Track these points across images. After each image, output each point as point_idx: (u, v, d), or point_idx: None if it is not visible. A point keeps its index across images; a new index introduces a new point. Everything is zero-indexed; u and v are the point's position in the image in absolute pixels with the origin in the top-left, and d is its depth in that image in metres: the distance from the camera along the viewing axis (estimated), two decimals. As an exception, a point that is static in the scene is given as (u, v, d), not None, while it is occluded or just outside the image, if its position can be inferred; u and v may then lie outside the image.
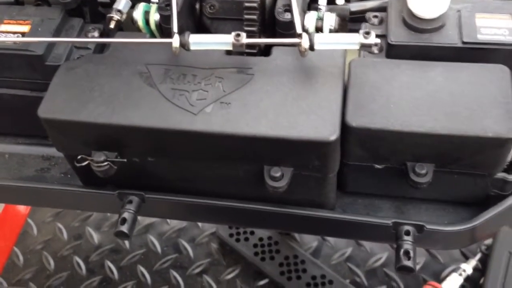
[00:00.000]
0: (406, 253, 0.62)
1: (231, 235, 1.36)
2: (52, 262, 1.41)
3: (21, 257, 1.43)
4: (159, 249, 1.41)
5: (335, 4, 0.74)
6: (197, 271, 1.34)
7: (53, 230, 1.48)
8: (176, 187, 0.69)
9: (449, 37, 0.65)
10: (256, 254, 1.33)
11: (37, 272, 1.38)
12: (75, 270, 1.37)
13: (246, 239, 1.35)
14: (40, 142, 0.79)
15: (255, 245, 1.35)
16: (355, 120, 0.60)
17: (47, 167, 0.78)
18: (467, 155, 0.60)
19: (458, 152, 0.60)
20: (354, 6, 0.76)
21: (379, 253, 1.32)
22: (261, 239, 1.35)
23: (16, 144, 0.80)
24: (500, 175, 0.64)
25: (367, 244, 1.33)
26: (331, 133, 0.58)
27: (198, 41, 0.63)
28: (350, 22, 0.77)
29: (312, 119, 0.59)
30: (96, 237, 1.45)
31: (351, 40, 0.61)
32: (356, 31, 0.74)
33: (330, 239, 1.35)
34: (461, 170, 0.63)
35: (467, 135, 0.58)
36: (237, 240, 1.36)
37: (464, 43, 0.65)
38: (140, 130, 0.61)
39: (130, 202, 0.68)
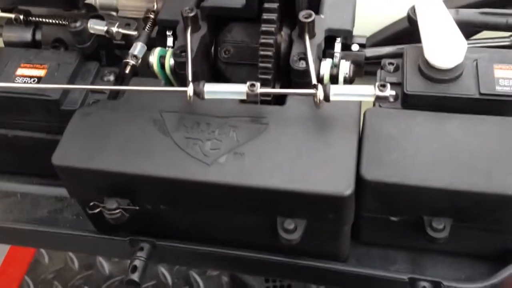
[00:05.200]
0: (422, 311, 0.60)
1: (242, 269, 1.34)
2: (62, 292, 1.41)
3: (32, 286, 1.42)
4: (170, 281, 1.40)
5: (350, 50, 0.73)
6: (207, 305, 1.33)
7: (64, 259, 1.48)
8: (188, 234, 0.69)
9: (466, 88, 0.64)
10: (267, 288, 1.32)
11: (48, 303, 1.38)
12: (86, 302, 1.37)
13: (258, 273, 1.34)
14: (53, 182, 0.79)
15: (267, 280, 1.33)
16: (370, 173, 0.59)
17: (60, 208, 0.78)
18: (486, 212, 0.59)
19: (477, 209, 0.59)
20: (370, 52, 0.76)
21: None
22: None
23: (30, 184, 0.81)
24: (520, 231, 0.62)
25: None
26: (346, 187, 0.57)
27: (213, 90, 0.63)
28: (366, 63, 0.76)
29: (326, 172, 0.58)
30: (107, 267, 1.45)
31: (366, 92, 0.60)
32: (373, 73, 0.74)
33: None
34: (480, 226, 0.61)
35: (487, 192, 0.56)
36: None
37: (481, 94, 0.64)
38: (153, 179, 0.60)
39: (141, 249, 0.67)
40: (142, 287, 1.38)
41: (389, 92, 0.59)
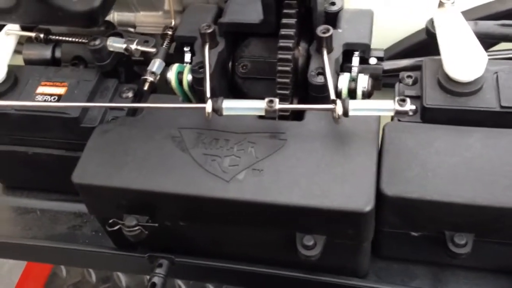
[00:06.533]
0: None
1: (259, 282, 1.33)
2: (80, 305, 1.41)
3: (49, 299, 1.43)
4: (186, 294, 1.39)
5: (368, 63, 0.73)
6: (225, 318, 1.31)
7: (81, 272, 1.48)
8: (206, 250, 0.68)
9: (486, 101, 0.64)
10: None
11: (66, 316, 1.39)
12: (103, 315, 1.37)
13: (275, 286, 1.33)
14: (72, 198, 0.80)
15: (284, 293, 1.32)
16: (391, 188, 0.58)
17: (79, 224, 0.78)
18: (509, 226, 0.58)
19: (499, 223, 0.58)
20: (387, 65, 0.75)
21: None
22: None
23: (49, 200, 0.81)
24: (544, 245, 0.61)
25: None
26: (366, 203, 0.56)
27: (231, 106, 0.63)
28: (384, 77, 0.76)
29: (346, 188, 0.57)
30: (124, 280, 1.45)
31: (386, 107, 0.60)
32: (390, 85, 0.74)
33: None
34: (503, 241, 0.60)
35: (509, 207, 0.55)
36: (266, 287, 1.33)
37: (502, 107, 0.63)
38: (172, 196, 0.60)
39: (160, 265, 0.67)
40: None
41: (409, 106, 0.59)
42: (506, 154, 0.59)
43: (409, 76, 0.70)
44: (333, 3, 0.75)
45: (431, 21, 0.71)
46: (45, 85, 0.73)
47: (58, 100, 0.70)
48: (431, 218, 0.59)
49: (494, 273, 0.66)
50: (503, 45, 0.77)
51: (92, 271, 1.47)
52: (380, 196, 0.58)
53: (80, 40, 0.77)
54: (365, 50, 0.72)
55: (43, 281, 1.48)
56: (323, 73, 0.66)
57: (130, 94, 0.73)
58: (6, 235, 0.76)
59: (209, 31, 0.70)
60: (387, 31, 0.83)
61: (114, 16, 0.88)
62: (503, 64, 0.67)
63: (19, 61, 0.84)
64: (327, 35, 0.67)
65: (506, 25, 0.72)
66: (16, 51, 0.85)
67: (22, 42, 0.84)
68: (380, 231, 0.63)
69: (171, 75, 0.73)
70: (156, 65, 0.73)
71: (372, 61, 0.73)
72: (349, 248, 0.62)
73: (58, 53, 0.82)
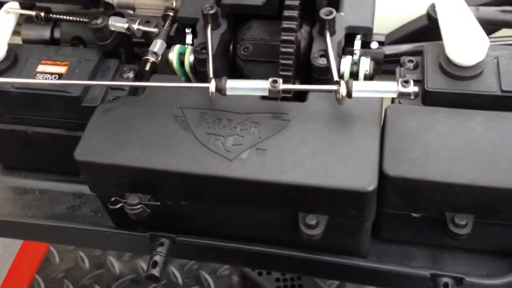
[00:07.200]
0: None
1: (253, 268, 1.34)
2: (73, 291, 1.41)
3: (42, 285, 1.43)
4: (180, 280, 1.40)
5: (369, 47, 0.73)
6: (218, 305, 1.33)
7: (75, 258, 1.48)
8: (207, 230, 0.69)
9: (487, 85, 0.64)
10: (278, 288, 1.32)
11: (59, 302, 1.39)
12: (96, 301, 1.37)
13: (269, 272, 1.33)
14: (71, 179, 0.79)
15: (277, 279, 1.33)
16: (393, 169, 0.59)
17: (78, 204, 0.78)
18: (509, 208, 0.59)
19: (500, 204, 0.59)
20: (389, 50, 0.76)
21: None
22: (283, 273, 1.33)
23: (48, 180, 0.81)
24: (542, 227, 0.62)
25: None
26: (369, 183, 0.57)
27: (235, 86, 0.63)
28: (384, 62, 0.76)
29: (349, 167, 0.58)
30: (117, 266, 1.45)
31: (389, 88, 0.60)
32: (390, 72, 0.75)
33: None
34: (502, 222, 0.61)
35: (510, 188, 0.56)
36: (259, 273, 1.34)
37: (503, 91, 0.64)
38: (175, 175, 0.60)
39: (162, 244, 0.68)
40: (152, 287, 1.38)
41: (412, 88, 0.59)
42: (508, 137, 0.60)
43: (410, 61, 0.71)
44: (335, -13, 0.75)
45: (433, 6, 0.72)
46: (46, 63, 0.72)
47: (59, 79, 0.70)
48: (432, 199, 0.60)
49: (492, 255, 0.67)
50: (503, 32, 0.78)
51: (86, 257, 1.47)
52: (382, 176, 0.59)
53: (80, 20, 0.76)
54: (367, 34, 0.72)
55: (35, 267, 1.47)
56: (325, 55, 0.67)
57: (131, 75, 0.73)
58: (5, 214, 0.76)
59: (211, 12, 0.70)
60: (388, 17, 0.83)
61: (114, -3, 0.88)
62: (503, 49, 0.68)
63: (18, 42, 0.83)
64: (330, 17, 0.67)
65: (507, 11, 0.73)
66: (15, 32, 0.85)
67: (20, 23, 0.83)
68: (381, 212, 0.64)
69: (173, 56, 0.73)
70: (157, 45, 0.73)
71: (374, 45, 0.74)
72: (350, 228, 0.62)
73: (57, 34, 0.81)
